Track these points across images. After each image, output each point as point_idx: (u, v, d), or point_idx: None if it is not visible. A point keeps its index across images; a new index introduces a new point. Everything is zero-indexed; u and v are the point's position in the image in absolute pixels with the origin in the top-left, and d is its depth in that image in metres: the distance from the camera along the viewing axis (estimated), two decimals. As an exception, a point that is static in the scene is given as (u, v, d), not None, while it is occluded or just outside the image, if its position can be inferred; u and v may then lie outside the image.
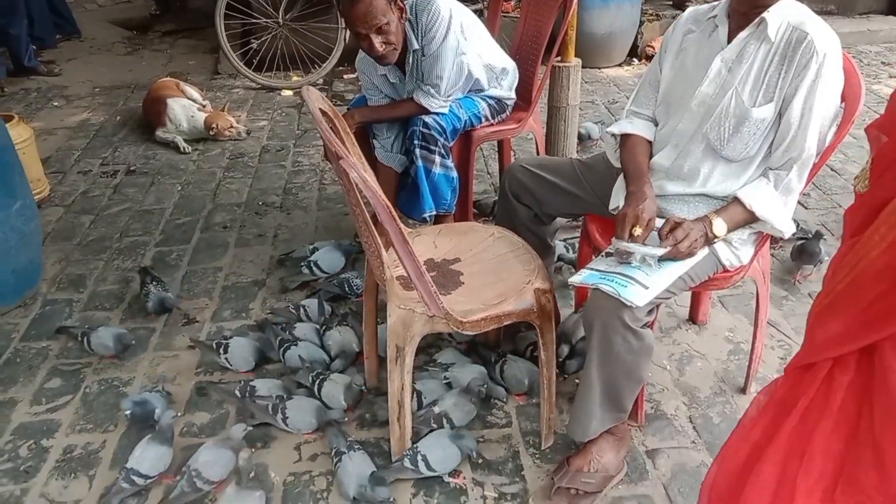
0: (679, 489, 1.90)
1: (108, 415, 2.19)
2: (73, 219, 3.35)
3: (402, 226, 1.62)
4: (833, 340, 1.19)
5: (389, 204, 1.57)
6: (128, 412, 2.10)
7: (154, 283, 2.65)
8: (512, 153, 3.28)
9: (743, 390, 2.20)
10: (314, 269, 2.74)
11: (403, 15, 2.41)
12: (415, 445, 1.93)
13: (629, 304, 1.66)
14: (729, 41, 1.81)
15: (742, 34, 1.78)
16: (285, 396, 2.13)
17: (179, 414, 2.15)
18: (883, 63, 5.14)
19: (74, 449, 2.08)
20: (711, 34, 1.86)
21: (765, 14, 1.73)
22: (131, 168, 3.85)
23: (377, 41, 2.35)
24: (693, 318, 2.49)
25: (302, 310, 2.53)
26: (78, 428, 2.15)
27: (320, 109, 1.84)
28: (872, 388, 1.17)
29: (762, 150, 1.81)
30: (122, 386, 2.31)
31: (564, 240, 2.83)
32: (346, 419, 2.10)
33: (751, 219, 1.80)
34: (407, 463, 1.90)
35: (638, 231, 1.72)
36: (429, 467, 1.89)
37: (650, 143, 1.99)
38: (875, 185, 1.19)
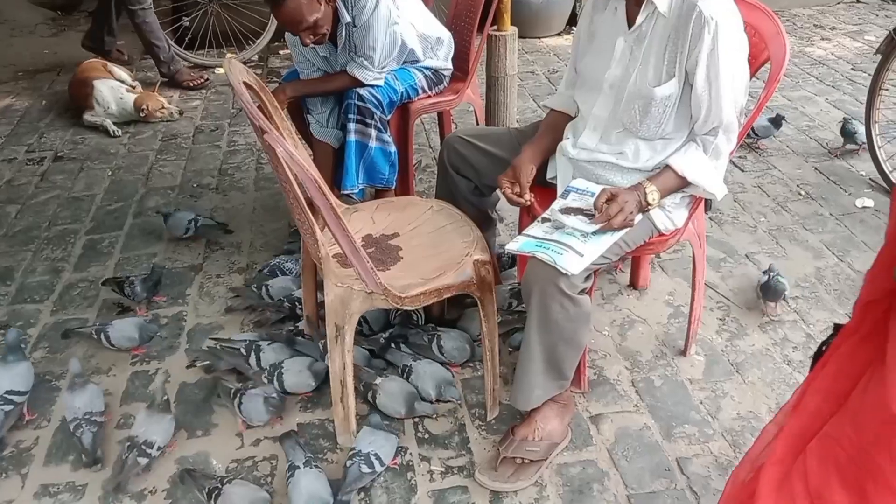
0: (622, 452, 1.92)
1: (41, 410, 2.12)
2: (-2, 209, 3.21)
3: (334, 202, 1.59)
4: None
5: (320, 179, 1.53)
6: None
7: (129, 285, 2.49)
8: (453, 125, 3.25)
9: (683, 353, 2.23)
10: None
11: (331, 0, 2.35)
12: (357, 449, 1.84)
13: (564, 271, 1.65)
14: (629, 21, 1.80)
15: (638, 13, 1.77)
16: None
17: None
18: (815, 25, 5.24)
19: (6, 447, 2.00)
20: (615, 15, 1.85)
21: None
22: (59, 154, 3.69)
23: (307, 37, 2.35)
24: (634, 284, 2.51)
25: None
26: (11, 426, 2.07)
27: (244, 83, 1.78)
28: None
29: (681, 126, 1.81)
30: (54, 380, 2.23)
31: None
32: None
33: (683, 184, 1.81)
34: (364, 468, 1.80)
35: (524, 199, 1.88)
36: (382, 463, 1.85)
37: (570, 118, 2.02)
38: None
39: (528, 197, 1.90)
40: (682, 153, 1.79)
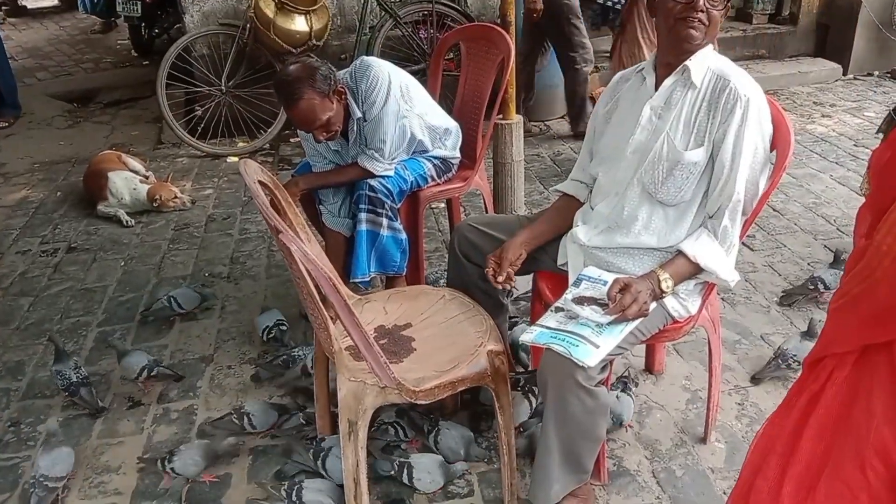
0: (647, 548, 1.86)
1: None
2: (12, 302, 3.21)
3: (346, 295, 1.59)
4: (844, 336, 1.25)
5: (334, 275, 1.54)
6: None
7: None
8: (461, 210, 3.29)
9: (703, 440, 2.19)
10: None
11: (343, 97, 2.43)
12: None
13: (581, 364, 1.64)
14: (657, 90, 1.86)
15: (667, 81, 1.83)
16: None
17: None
18: (815, 103, 5.33)
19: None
20: (640, 86, 1.91)
21: (687, 62, 1.79)
22: (72, 245, 3.73)
23: (320, 135, 2.42)
24: (650, 368, 2.48)
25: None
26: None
27: (259, 182, 1.81)
28: (871, 384, 1.20)
29: (697, 196, 1.84)
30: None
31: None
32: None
33: (696, 270, 1.81)
34: None
35: (500, 280, 1.96)
36: None
37: (579, 204, 2.06)
38: (874, 189, 1.28)
39: (503, 280, 1.97)
40: (694, 239, 1.80)
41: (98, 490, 2.15)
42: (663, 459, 2.13)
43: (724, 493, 2.00)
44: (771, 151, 1.84)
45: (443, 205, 3.75)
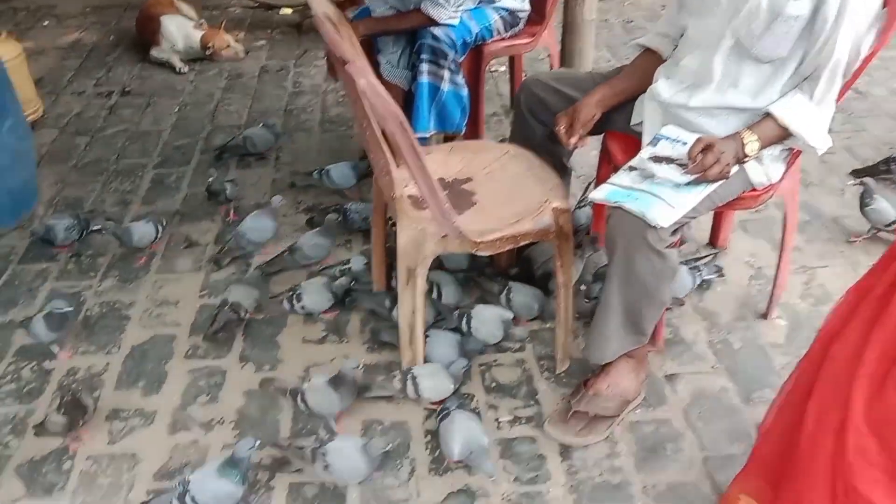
0: (699, 414, 1.86)
1: (110, 337, 2.14)
2: (68, 140, 3.22)
3: (415, 137, 1.52)
4: None
5: (401, 113, 1.46)
6: None
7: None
8: (523, 74, 3.14)
9: (764, 315, 2.13)
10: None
11: None
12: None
13: (654, 224, 1.56)
14: None
15: None
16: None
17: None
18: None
19: (77, 371, 2.03)
20: None
21: None
22: (126, 89, 3.69)
23: None
24: (713, 243, 2.40)
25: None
26: (81, 350, 2.10)
27: (324, 13, 1.71)
28: None
29: (794, 54, 1.66)
30: (123, 308, 2.25)
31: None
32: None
33: (784, 135, 1.68)
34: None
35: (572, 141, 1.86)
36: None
37: (661, 61, 1.90)
38: None
39: (575, 140, 1.86)
40: (786, 101, 1.67)
41: (158, 321, 2.21)
42: (721, 332, 2.10)
43: (783, 369, 1.96)
44: (883, 8, 1.67)
45: (503, 68, 3.59)
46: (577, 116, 1.88)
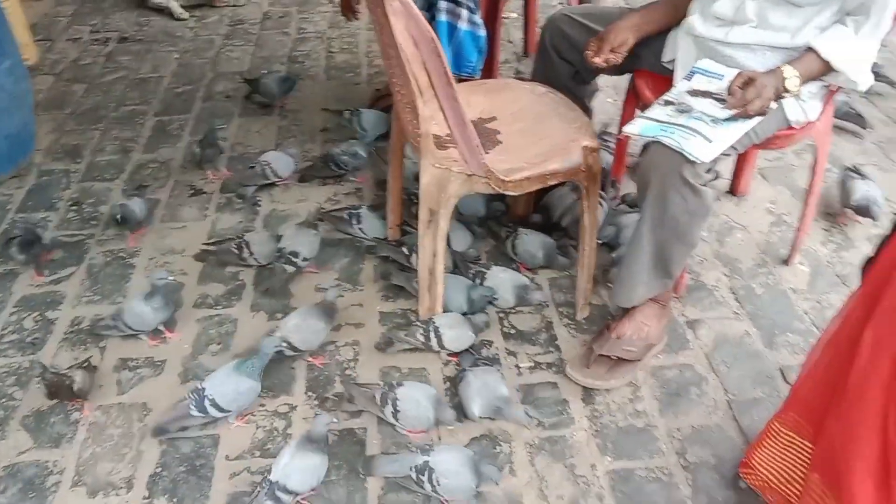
0: (722, 358, 1.83)
1: (115, 286, 2.08)
2: (65, 87, 3.12)
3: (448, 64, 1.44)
4: None
5: (436, 37, 1.38)
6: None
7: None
8: (538, 16, 3.05)
9: (786, 261, 2.10)
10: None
11: None
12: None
13: (692, 158, 1.51)
14: None
15: None
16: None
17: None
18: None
19: (82, 321, 1.97)
20: None
21: None
22: (124, 35, 3.57)
23: None
24: (733, 190, 2.36)
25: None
26: (84, 300, 2.04)
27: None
28: None
29: None
30: (128, 257, 2.18)
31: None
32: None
33: (825, 70, 1.62)
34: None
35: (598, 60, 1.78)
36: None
37: None
38: None
39: (602, 59, 1.79)
40: (829, 36, 1.60)
41: (166, 269, 2.14)
42: (743, 277, 2.06)
43: (806, 314, 1.94)
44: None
45: (514, 14, 3.49)
46: (606, 39, 1.80)
